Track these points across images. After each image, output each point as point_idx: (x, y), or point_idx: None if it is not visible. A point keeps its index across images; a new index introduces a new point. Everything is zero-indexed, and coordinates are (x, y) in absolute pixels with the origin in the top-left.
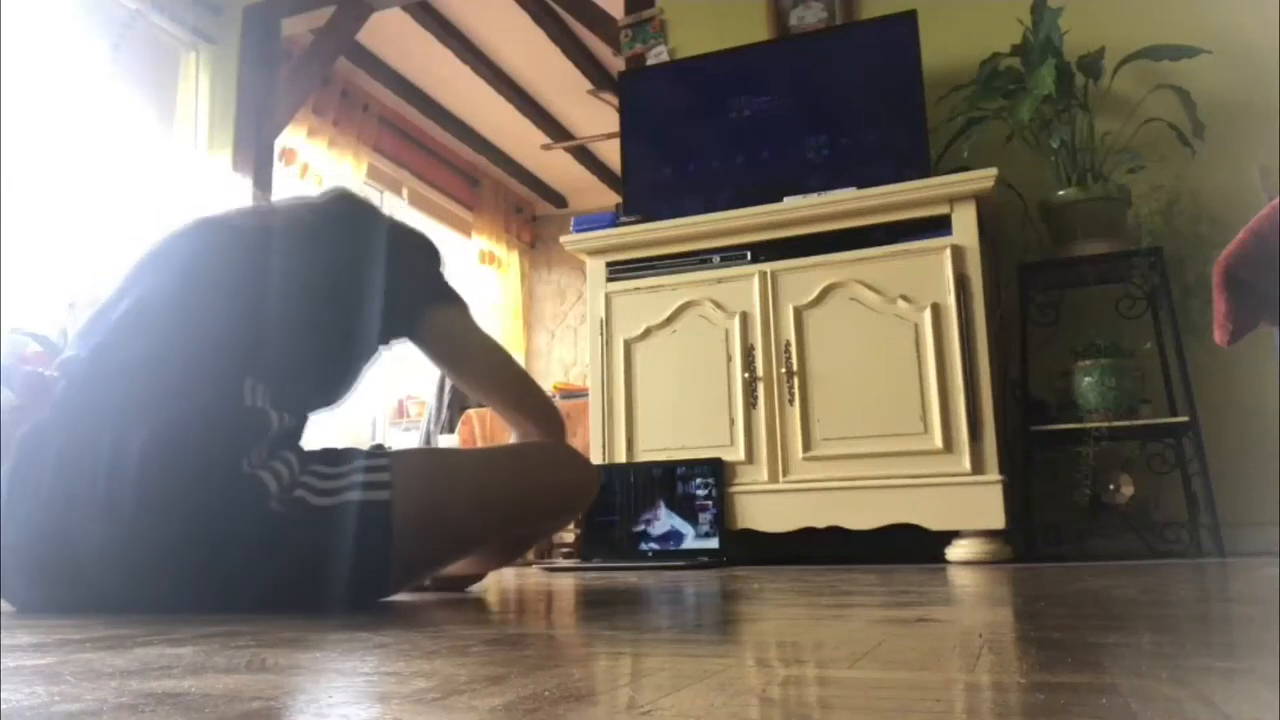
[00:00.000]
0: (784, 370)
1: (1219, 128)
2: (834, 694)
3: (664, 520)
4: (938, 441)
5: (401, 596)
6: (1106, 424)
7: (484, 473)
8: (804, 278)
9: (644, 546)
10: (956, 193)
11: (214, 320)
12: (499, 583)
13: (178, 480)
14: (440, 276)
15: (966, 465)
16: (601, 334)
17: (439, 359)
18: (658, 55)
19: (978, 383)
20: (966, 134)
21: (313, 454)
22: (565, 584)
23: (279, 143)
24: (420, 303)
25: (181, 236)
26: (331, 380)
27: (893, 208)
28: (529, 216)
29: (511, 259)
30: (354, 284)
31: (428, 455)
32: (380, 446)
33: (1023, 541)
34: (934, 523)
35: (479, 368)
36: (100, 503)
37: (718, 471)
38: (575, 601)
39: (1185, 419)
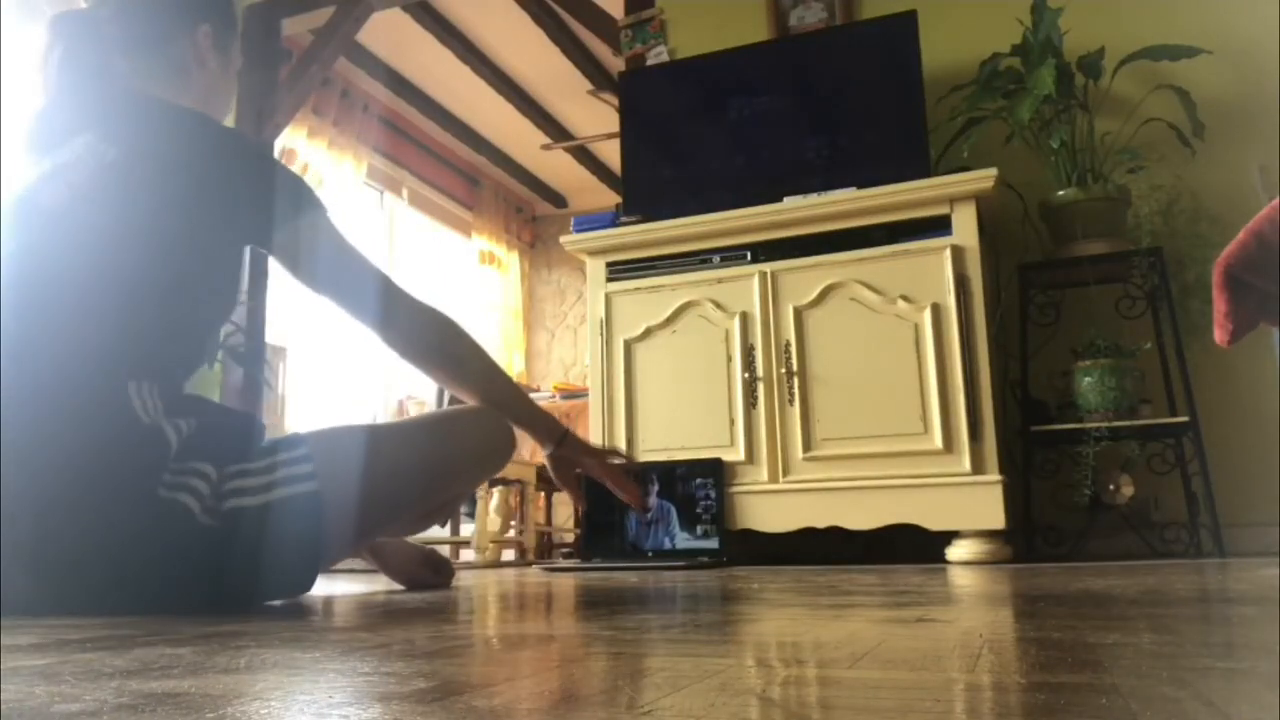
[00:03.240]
0: (784, 370)
1: (1219, 128)
2: (834, 694)
3: (663, 520)
4: (938, 442)
5: (399, 597)
6: (1106, 424)
7: (403, 447)
8: (804, 278)
9: (644, 546)
10: (956, 193)
11: (77, 322)
12: (499, 583)
13: (92, 509)
14: (294, 179)
15: (966, 465)
16: (601, 334)
17: (306, 273)
18: (658, 55)
19: (978, 383)
20: (966, 134)
21: (228, 453)
22: (565, 584)
23: (279, 143)
24: (287, 207)
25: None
26: (206, 325)
27: (893, 208)
28: (529, 216)
29: (511, 259)
30: (204, 206)
31: (346, 435)
32: (296, 435)
33: (1023, 541)
34: (934, 523)
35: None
36: (18, 546)
37: (718, 471)
38: (575, 601)
39: (1185, 419)
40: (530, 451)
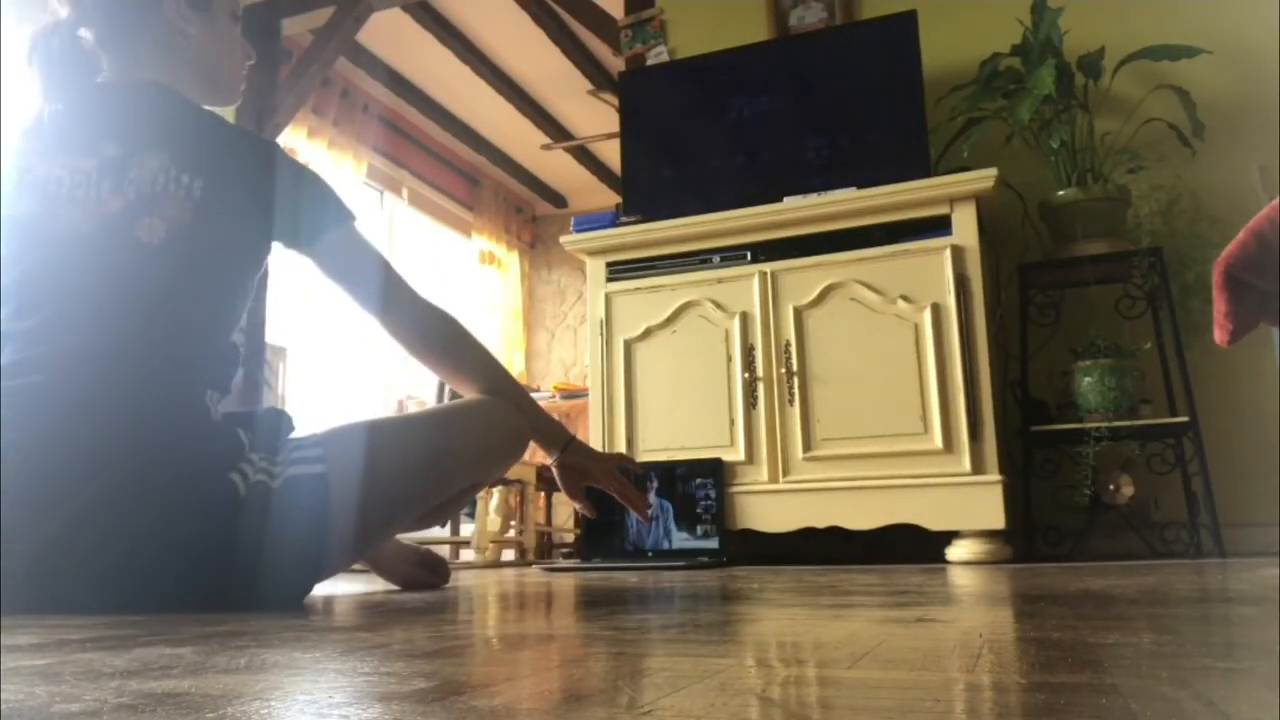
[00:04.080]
0: (784, 370)
1: (1219, 128)
2: (834, 694)
3: (660, 518)
4: (938, 442)
5: (399, 597)
6: (1106, 424)
7: (415, 441)
8: (804, 278)
9: (642, 545)
10: (956, 193)
11: (172, 341)
12: (499, 583)
13: (174, 502)
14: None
15: (966, 465)
16: (601, 334)
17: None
18: (658, 55)
19: (978, 383)
20: (966, 134)
21: (261, 444)
22: (565, 584)
23: (279, 143)
24: (327, 219)
25: (76, 248)
26: (234, 331)
27: (893, 208)
28: (529, 216)
29: (511, 259)
30: (257, 219)
31: (358, 430)
32: (313, 434)
33: (1023, 541)
34: (934, 523)
35: (383, 291)
36: (89, 519)
37: (718, 471)
38: (575, 601)
39: (1185, 419)
40: (530, 452)
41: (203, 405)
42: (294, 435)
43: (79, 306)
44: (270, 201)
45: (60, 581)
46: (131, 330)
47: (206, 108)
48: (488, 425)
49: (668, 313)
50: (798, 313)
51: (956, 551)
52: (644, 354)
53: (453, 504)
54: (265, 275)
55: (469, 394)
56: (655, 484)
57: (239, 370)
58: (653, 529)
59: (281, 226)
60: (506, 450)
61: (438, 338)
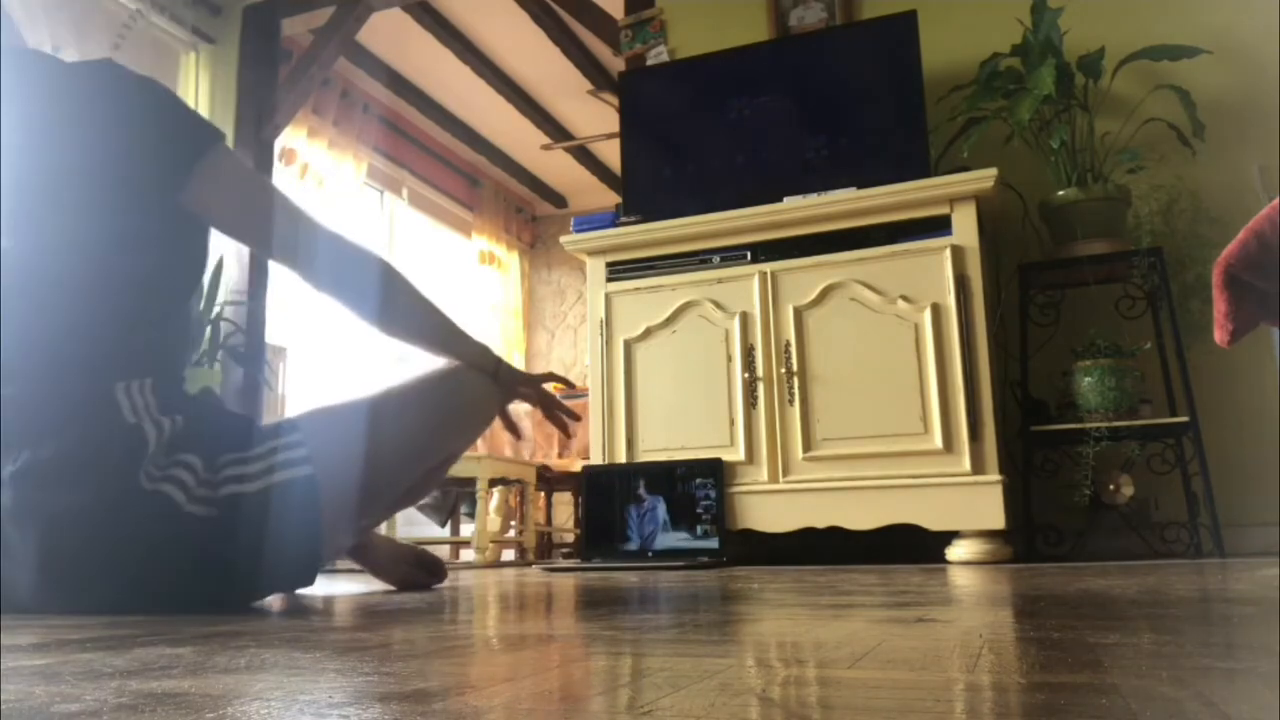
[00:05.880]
0: (784, 370)
1: (1219, 128)
2: (834, 694)
3: (664, 520)
4: (938, 442)
5: (399, 597)
6: (1106, 424)
7: (393, 421)
8: (804, 278)
9: (635, 541)
10: (956, 193)
11: (64, 335)
12: (499, 584)
13: (84, 508)
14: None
15: (966, 465)
16: (601, 334)
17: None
18: (658, 55)
19: (978, 383)
20: (966, 134)
21: (219, 442)
22: (565, 584)
23: (279, 143)
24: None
25: None
26: (179, 306)
27: (893, 208)
28: (529, 216)
29: (511, 259)
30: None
31: (336, 417)
32: (290, 420)
33: (1023, 541)
34: (934, 523)
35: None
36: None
37: (718, 471)
38: (575, 601)
39: (1185, 419)
40: (531, 452)
41: (110, 404)
42: (276, 422)
43: None
44: (132, 147)
45: (65, 588)
46: (28, 328)
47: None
48: (463, 395)
49: (668, 313)
50: (798, 313)
51: (956, 551)
52: (644, 354)
53: (430, 479)
54: (261, 277)
55: (402, 340)
56: (643, 481)
57: (186, 352)
58: (643, 524)
59: (135, 171)
60: (480, 417)
61: (361, 279)
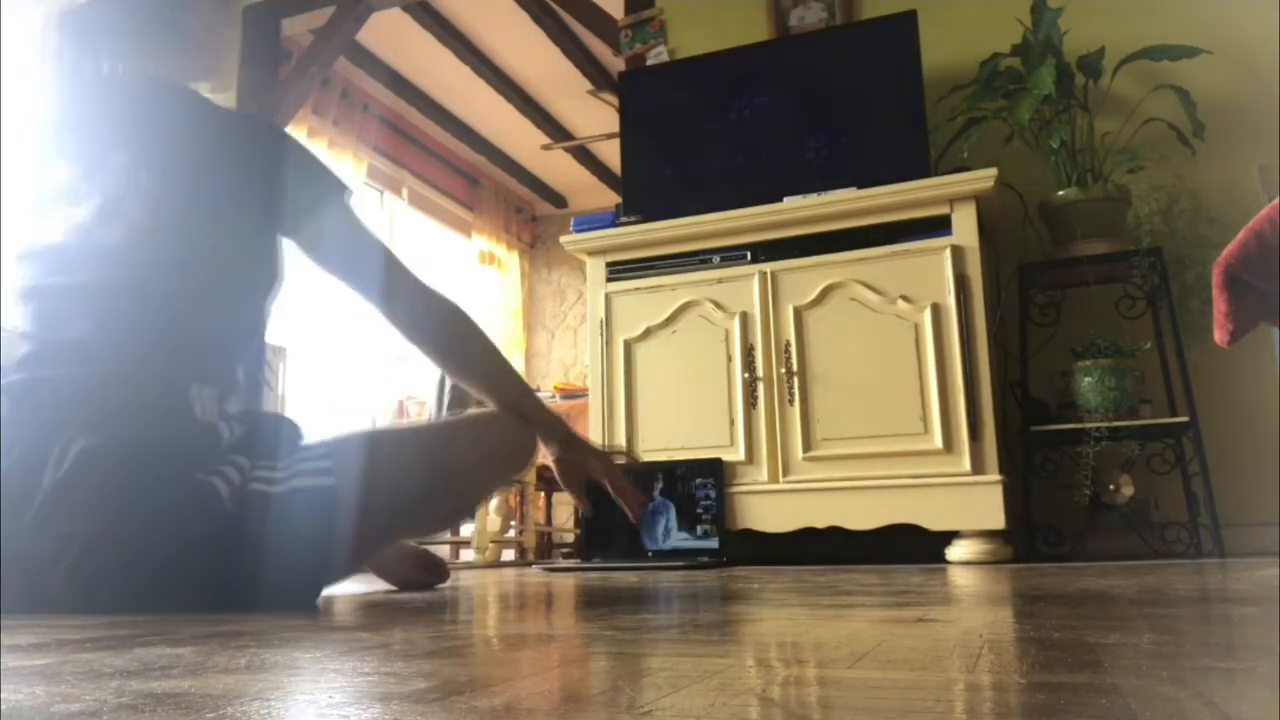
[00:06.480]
0: (784, 370)
1: (1219, 128)
2: (834, 694)
3: (663, 520)
4: (938, 442)
5: (399, 597)
6: (1106, 424)
7: (421, 453)
8: (804, 278)
9: (642, 542)
10: (956, 193)
11: (149, 338)
12: (499, 584)
13: (130, 489)
14: (324, 167)
15: (966, 465)
16: (601, 334)
17: (336, 265)
18: (658, 55)
19: (978, 383)
20: (966, 134)
21: (262, 450)
22: (565, 584)
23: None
24: (321, 194)
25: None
26: (253, 320)
27: (893, 208)
28: (529, 216)
29: (511, 259)
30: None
31: (367, 440)
32: (323, 440)
33: (1023, 541)
34: (934, 523)
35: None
36: (56, 511)
37: (718, 471)
38: (575, 601)
39: (1185, 419)
40: None
41: (183, 401)
42: (303, 442)
43: (63, 308)
44: (268, 185)
45: (120, 582)
46: (108, 330)
47: (205, 96)
48: (494, 442)
49: (668, 313)
50: (798, 313)
51: (956, 551)
52: (644, 354)
53: (458, 513)
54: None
55: (469, 387)
56: (661, 483)
57: (261, 370)
58: (657, 526)
59: (279, 209)
60: (510, 466)
61: (441, 328)
